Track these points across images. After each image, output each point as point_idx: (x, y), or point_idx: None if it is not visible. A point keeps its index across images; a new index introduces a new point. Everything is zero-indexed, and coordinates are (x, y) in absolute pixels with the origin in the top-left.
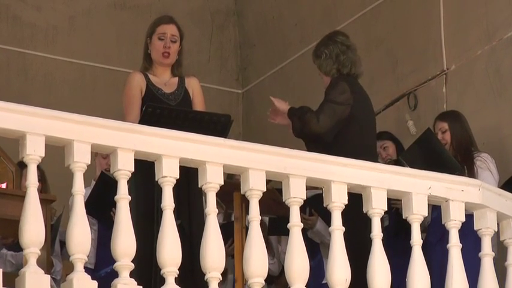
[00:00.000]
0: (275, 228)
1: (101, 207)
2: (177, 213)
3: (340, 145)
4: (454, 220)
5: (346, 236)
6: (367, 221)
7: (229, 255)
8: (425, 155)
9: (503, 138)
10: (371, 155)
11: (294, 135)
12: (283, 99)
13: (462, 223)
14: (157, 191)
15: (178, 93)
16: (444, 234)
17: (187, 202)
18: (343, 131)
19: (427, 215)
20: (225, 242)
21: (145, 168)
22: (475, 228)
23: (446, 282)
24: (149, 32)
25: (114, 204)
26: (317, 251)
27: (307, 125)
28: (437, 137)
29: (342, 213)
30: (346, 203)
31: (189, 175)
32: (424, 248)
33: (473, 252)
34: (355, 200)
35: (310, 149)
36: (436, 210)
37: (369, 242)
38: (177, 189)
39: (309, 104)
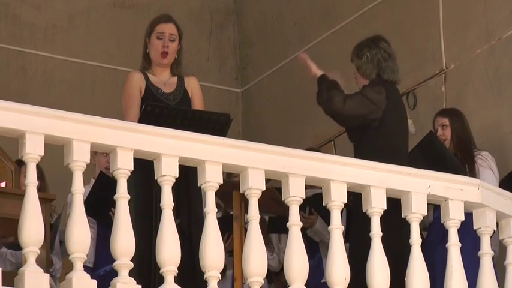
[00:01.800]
0: (275, 226)
1: (99, 208)
2: (176, 212)
3: (370, 149)
4: (453, 219)
5: (386, 242)
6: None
7: (228, 251)
8: (427, 157)
9: (503, 137)
10: (404, 160)
11: (316, 101)
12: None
13: (462, 222)
14: (156, 190)
15: (178, 93)
16: (446, 233)
17: (186, 201)
18: (373, 136)
19: (426, 214)
20: (222, 236)
21: (144, 167)
22: (474, 227)
23: (445, 281)
24: (148, 32)
25: (113, 205)
26: (316, 250)
27: (331, 101)
28: (437, 133)
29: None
30: (345, 202)
31: (188, 174)
32: (427, 248)
33: (473, 251)
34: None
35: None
36: (438, 209)
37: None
38: (177, 188)
39: (309, 103)
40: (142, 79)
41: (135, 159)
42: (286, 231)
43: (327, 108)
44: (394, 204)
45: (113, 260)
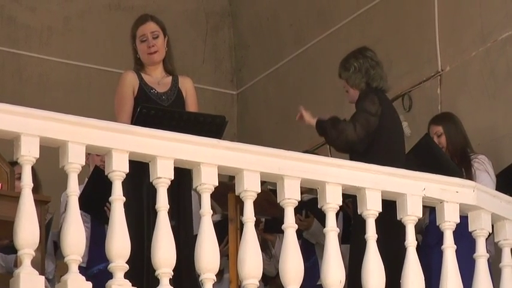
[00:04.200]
0: (271, 226)
1: (94, 202)
2: (171, 214)
3: (371, 155)
4: (448, 221)
5: (381, 244)
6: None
7: (225, 254)
8: (423, 160)
9: (498, 139)
10: (401, 164)
11: (328, 144)
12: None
13: (458, 224)
14: (147, 192)
15: (172, 93)
16: (442, 235)
17: (177, 203)
18: (374, 141)
19: (421, 216)
20: (222, 240)
21: (136, 170)
22: (469, 230)
23: (440, 284)
24: (131, 38)
25: (108, 199)
26: (312, 252)
27: (343, 133)
28: None
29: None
30: (341, 204)
31: (179, 175)
32: (423, 250)
33: (470, 254)
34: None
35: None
36: (434, 212)
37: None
38: (172, 190)
39: (304, 105)
40: (136, 79)
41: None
42: (282, 232)
43: (342, 143)
44: (391, 206)
45: (106, 258)
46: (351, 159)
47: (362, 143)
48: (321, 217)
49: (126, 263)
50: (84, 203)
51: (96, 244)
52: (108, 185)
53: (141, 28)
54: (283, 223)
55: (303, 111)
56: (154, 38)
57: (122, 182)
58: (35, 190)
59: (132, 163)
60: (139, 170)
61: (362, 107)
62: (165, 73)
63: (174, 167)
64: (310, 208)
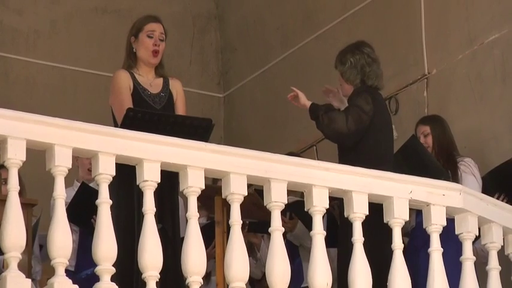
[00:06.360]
0: (256, 227)
1: (81, 215)
2: (159, 217)
3: (360, 154)
4: (435, 224)
5: (368, 247)
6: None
7: (213, 257)
8: (410, 162)
9: (484, 142)
10: (389, 165)
11: (317, 129)
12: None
13: (446, 227)
14: (138, 196)
15: (164, 96)
16: (428, 238)
17: (170, 205)
18: (363, 141)
19: (408, 219)
20: (210, 243)
21: (125, 174)
22: (456, 233)
23: (427, 287)
24: (135, 30)
25: (94, 212)
26: (296, 254)
27: (334, 122)
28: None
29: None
30: (327, 207)
31: (172, 178)
32: (410, 253)
33: (457, 257)
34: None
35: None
36: (420, 215)
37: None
38: (160, 193)
39: (291, 108)
40: (129, 78)
41: (116, 166)
42: (266, 232)
43: (331, 131)
44: (377, 209)
45: (95, 263)
46: (340, 159)
47: (351, 137)
48: (305, 219)
49: (117, 267)
50: (71, 217)
51: (85, 249)
52: (94, 199)
53: (152, 24)
54: (268, 225)
55: (298, 91)
56: (160, 40)
57: (113, 187)
58: (19, 193)
59: (124, 167)
60: (130, 174)
61: (355, 103)
62: (156, 76)
63: (162, 170)
64: (294, 210)
